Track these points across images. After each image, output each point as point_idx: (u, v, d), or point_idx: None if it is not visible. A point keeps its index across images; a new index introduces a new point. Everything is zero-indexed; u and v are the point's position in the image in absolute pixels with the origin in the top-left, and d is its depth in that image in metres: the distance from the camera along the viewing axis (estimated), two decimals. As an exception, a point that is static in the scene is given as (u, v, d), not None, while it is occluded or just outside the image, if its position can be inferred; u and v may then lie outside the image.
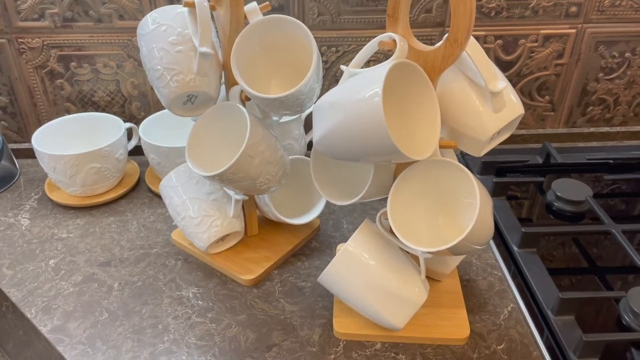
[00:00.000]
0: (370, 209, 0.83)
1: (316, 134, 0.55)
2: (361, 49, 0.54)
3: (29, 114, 0.93)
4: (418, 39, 0.53)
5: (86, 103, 0.92)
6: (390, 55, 0.52)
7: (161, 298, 0.67)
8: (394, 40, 0.51)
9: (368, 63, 0.55)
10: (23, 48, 0.87)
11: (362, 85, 0.49)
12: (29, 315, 0.65)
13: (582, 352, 0.58)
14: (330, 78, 0.91)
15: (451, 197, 0.57)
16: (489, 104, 0.53)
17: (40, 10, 0.84)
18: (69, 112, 0.93)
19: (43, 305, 0.66)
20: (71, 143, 0.84)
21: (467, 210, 0.56)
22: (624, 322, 0.63)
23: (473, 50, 0.51)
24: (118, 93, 0.92)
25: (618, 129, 1.00)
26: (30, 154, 0.93)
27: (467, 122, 0.54)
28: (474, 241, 0.53)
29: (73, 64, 0.88)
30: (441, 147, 0.54)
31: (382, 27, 0.86)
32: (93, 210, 0.83)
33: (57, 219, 0.81)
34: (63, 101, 0.92)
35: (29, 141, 0.95)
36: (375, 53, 0.55)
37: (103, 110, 0.93)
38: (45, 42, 0.87)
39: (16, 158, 0.93)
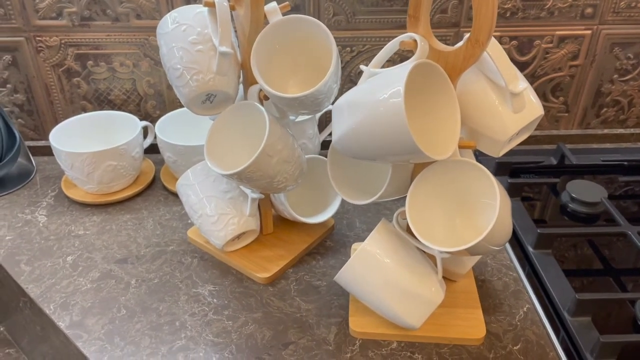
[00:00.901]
0: (384, 209, 0.83)
1: (335, 133, 0.55)
2: (376, 48, 0.55)
3: (46, 112, 0.94)
4: (435, 39, 0.53)
5: (102, 101, 0.93)
6: (408, 56, 0.52)
7: (178, 295, 0.68)
8: (415, 41, 0.51)
9: (383, 65, 0.55)
10: (41, 46, 0.88)
11: (383, 84, 0.49)
12: (47, 311, 0.66)
13: (599, 354, 0.58)
14: (345, 78, 0.91)
15: (469, 197, 0.57)
16: (508, 105, 0.53)
17: (58, 9, 0.85)
18: (85, 110, 0.94)
19: (61, 302, 0.67)
20: (87, 141, 0.85)
21: (485, 211, 0.56)
22: (639, 323, 0.63)
23: (494, 51, 0.51)
24: (134, 92, 0.92)
25: (632, 130, 0.99)
26: (46, 151, 0.94)
27: (487, 123, 0.54)
28: (492, 242, 0.53)
29: (90, 62, 0.89)
30: (460, 147, 0.54)
31: (397, 27, 0.86)
32: (109, 208, 0.84)
33: (74, 216, 0.82)
34: (79, 99, 0.93)
35: (46, 139, 0.96)
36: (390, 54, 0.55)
37: (119, 109, 0.94)
38: (62, 41, 0.87)
39: (33, 155, 0.94)
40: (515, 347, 0.61)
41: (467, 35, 0.49)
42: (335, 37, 0.58)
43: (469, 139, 0.56)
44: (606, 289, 0.69)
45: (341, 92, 0.54)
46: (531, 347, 0.61)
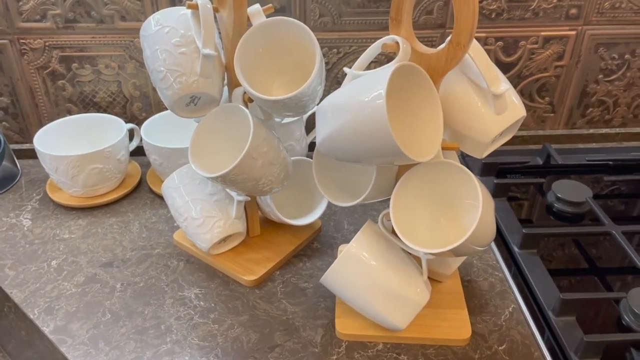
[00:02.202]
0: (371, 210, 0.83)
1: (319, 135, 0.55)
2: (362, 50, 0.55)
3: (31, 115, 0.93)
4: (419, 41, 0.53)
5: (87, 104, 0.93)
6: (394, 57, 0.52)
7: (163, 299, 0.67)
8: (397, 43, 0.51)
9: (369, 65, 0.56)
10: (25, 49, 0.87)
11: (366, 87, 0.49)
12: (31, 316, 0.65)
13: (583, 353, 0.58)
14: (332, 79, 0.91)
15: (453, 198, 0.57)
16: (491, 106, 0.53)
17: (42, 11, 0.84)
18: (70, 112, 0.93)
19: (45, 306, 0.66)
20: (73, 144, 0.85)
21: (469, 212, 0.57)
22: (624, 322, 0.63)
23: (475, 53, 0.51)
24: (120, 94, 0.92)
25: (617, 130, 1.00)
26: (31, 154, 0.93)
27: (470, 124, 0.54)
28: (476, 243, 0.54)
29: (75, 64, 0.89)
30: (444, 149, 0.55)
31: (383, 29, 0.86)
32: (95, 211, 0.83)
33: (59, 219, 0.81)
34: (64, 102, 0.92)
35: (31, 142, 0.95)
36: (377, 55, 0.55)
37: (104, 111, 0.93)
38: (47, 43, 0.87)
39: (17, 159, 0.93)
40: (500, 348, 0.61)
41: (448, 38, 0.49)
42: (321, 39, 0.58)
43: (452, 141, 0.57)
44: (591, 289, 0.70)
45: (328, 93, 0.54)
46: (516, 347, 0.61)
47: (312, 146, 0.84)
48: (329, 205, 0.77)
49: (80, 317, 0.65)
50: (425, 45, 0.53)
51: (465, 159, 0.91)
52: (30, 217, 0.82)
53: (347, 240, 0.60)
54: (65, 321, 0.64)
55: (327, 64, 0.89)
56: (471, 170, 0.86)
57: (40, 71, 0.89)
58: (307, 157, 0.77)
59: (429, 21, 0.87)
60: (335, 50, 0.88)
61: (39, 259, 0.74)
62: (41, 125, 0.88)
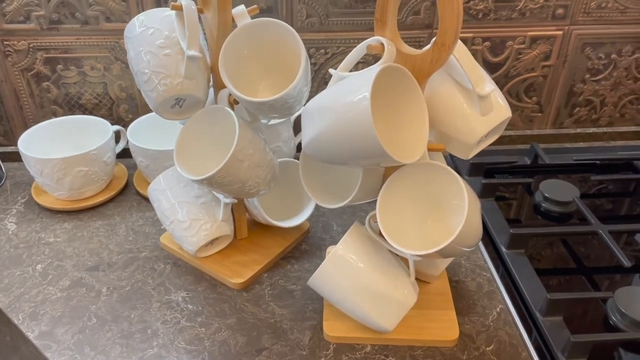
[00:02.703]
0: (359, 211, 0.83)
1: (305, 137, 0.54)
2: (350, 51, 0.54)
3: (15, 117, 0.92)
4: (406, 41, 0.53)
5: (73, 106, 0.92)
6: (379, 58, 0.52)
7: (150, 302, 0.67)
8: (382, 44, 0.51)
9: (357, 65, 0.55)
10: (9, 50, 0.86)
11: (351, 89, 0.49)
12: (16, 321, 0.64)
13: (570, 353, 0.58)
14: (319, 80, 0.91)
15: (440, 199, 0.57)
16: (476, 107, 0.53)
17: (26, 12, 0.83)
18: (55, 115, 0.92)
19: (30, 311, 0.66)
20: (58, 146, 0.84)
21: (456, 213, 0.56)
22: (611, 322, 0.63)
23: (460, 54, 0.51)
24: (105, 96, 0.91)
25: (604, 129, 1.01)
26: (16, 157, 0.92)
27: (455, 125, 0.54)
28: (462, 243, 0.54)
29: (60, 66, 0.88)
30: (430, 150, 0.55)
31: (370, 29, 0.86)
32: (81, 214, 0.82)
33: (44, 223, 0.80)
34: (50, 104, 0.91)
35: (15, 144, 0.94)
36: (364, 55, 0.55)
37: (90, 113, 0.92)
38: (31, 45, 0.86)
39: (2, 162, 0.92)
40: (488, 348, 0.61)
41: (433, 39, 0.49)
42: (308, 39, 0.58)
43: (438, 142, 0.56)
44: (579, 288, 0.70)
45: (315, 94, 0.54)
46: (504, 347, 0.61)
47: (300, 147, 0.84)
48: (317, 206, 0.77)
49: (65, 322, 0.64)
50: (413, 45, 0.52)
51: (453, 159, 0.91)
52: (15, 220, 0.81)
53: (336, 242, 0.60)
54: (50, 326, 0.64)
55: (314, 64, 0.89)
56: (459, 170, 0.87)
57: (24, 73, 0.88)
58: (295, 158, 0.76)
59: (417, 21, 0.86)
60: (322, 50, 0.88)
61: (24, 263, 0.73)
62: (26, 127, 0.87)
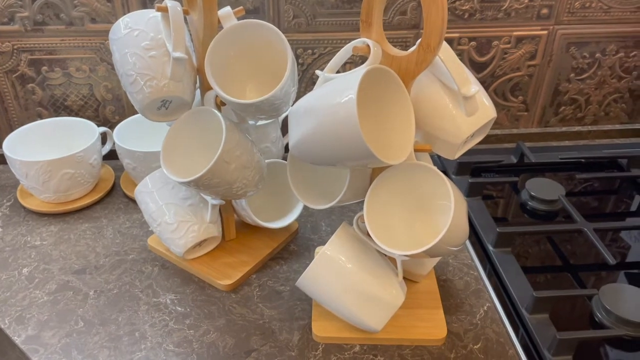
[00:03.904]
0: (348, 211, 0.83)
1: (292, 139, 0.55)
2: (337, 51, 0.54)
3: (0, 120, 0.91)
4: (393, 41, 0.53)
5: (59, 107, 0.91)
6: (366, 59, 0.52)
7: (138, 305, 0.67)
8: (368, 46, 0.51)
9: (345, 66, 0.55)
10: (-8, 52, 0.85)
11: (337, 90, 0.49)
12: (2, 326, 0.64)
13: (556, 350, 0.59)
14: (307, 80, 0.91)
15: (427, 199, 0.58)
16: (462, 108, 0.53)
17: (9, 13, 0.82)
18: (41, 117, 0.91)
19: (17, 315, 0.65)
20: (44, 149, 0.83)
21: (443, 213, 0.57)
22: (596, 319, 0.64)
23: (445, 55, 0.51)
24: (91, 97, 0.90)
25: (589, 128, 1.02)
26: (1, 160, 0.91)
27: (441, 126, 0.54)
28: (449, 243, 0.54)
29: (44, 68, 0.87)
30: (416, 150, 0.55)
31: (357, 30, 0.86)
32: (67, 217, 0.82)
33: (30, 226, 0.80)
34: (35, 106, 0.90)
35: (0, 147, 0.93)
36: (352, 55, 0.55)
37: (76, 115, 0.91)
38: (15, 46, 0.85)
39: (-13, 164, 0.92)
40: (475, 346, 0.62)
41: (419, 40, 0.49)
42: (296, 40, 0.58)
43: (424, 143, 0.57)
44: (565, 286, 0.71)
45: (303, 94, 0.54)
46: (491, 345, 0.62)
47: (288, 147, 0.84)
48: (306, 206, 0.77)
49: (52, 326, 0.64)
50: (400, 46, 0.53)
51: (440, 159, 0.92)
52: (1, 224, 0.80)
53: (324, 242, 0.60)
54: (37, 330, 0.63)
55: (301, 65, 0.89)
56: (446, 170, 0.87)
57: (9, 75, 0.87)
58: (283, 158, 0.76)
59: (403, 22, 0.87)
60: (310, 51, 0.88)
61: (10, 267, 0.72)
62: (11, 129, 0.86)
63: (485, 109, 0.55)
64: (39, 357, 0.60)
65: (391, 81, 0.51)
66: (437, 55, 0.49)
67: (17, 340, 0.62)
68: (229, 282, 0.68)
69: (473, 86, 0.52)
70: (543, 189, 0.84)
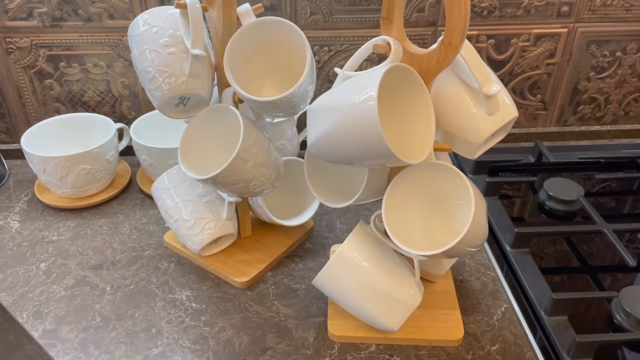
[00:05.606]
0: (364, 210, 0.83)
1: (310, 137, 0.54)
2: (354, 48, 0.54)
3: (18, 115, 0.92)
4: (410, 39, 0.53)
5: (76, 103, 0.91)
6: (385, 56, 0.52)
7: (154, 301, 0.67)
8: (389, 44, 0.51)
9: (361, 64, 0.55)
10: (11, 48, 0.86)
11: (357, 88, 0.48)
12: (20, 320, 0.64)
13: (575, 353, 0.58)
14: (323, 78, 0.90)
15: (445, 199, 0.57)
16: (483, 107, 0.53)
17: (28, 9, 0.83)
18: (58, 112, 0.92)
19: (34, 310, 0.66)
20: (61, 144, 0.83)
21: (462, 213, 0.56)
22: (615, 322, 0.63)
23: (467, 53, 0.50)
24: (108, 93, 0.91)
25: (609, 127, 1.00)
26: (19, 155, 0.92)
27: (462, 125, 0.54)
28: (469, 244, 0.53)
29: (62, 63, 0.87)
30: (436, 150, 0.54)
31: (374, 27, 0.86)
32: (84, 212, 0.82)
33: (48, 221, 0.80)
34: (52, 101, 0.91)
35: (18, 142, 0.93)
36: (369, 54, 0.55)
37: (93, 111, 0.92)
38: (33, 42, 0.85)
39: (5, 159, 0.92)
40: (493, 348, 0.61)
41: (440, 38, 0.49)
42: (312, 37, 0.58)
43: (444, 142, 0.56)
44: (583, 287, 0.70)
45: (319, 92, 0.54)
46: (509, 347, 0.61)
47: (304, 145, 0.84)
48: (321, 205, 0.77)
49: (69, 321, 0.64)
50: (417, 43, 0.52)
51: (457, 158, 0.91)
52: (19, 218, 0.81)
53: (340, 241, 0.60)
54: (54, 325, 0.64)
55: (318, 62, 0.89)
56: (463, 169, 0.87)
57: (27, 70, 0.88)
58: (299, 156, 0.76)
59: (421, 19, 0.86)
60: (326, 48, 0.87)
61: (27, 262, 0.73)
62: (29, 125, 0.87)
63: (507, 108, 0.54)
64: (56, 352, 0.61)
65: (412, 79, 0.50)
66: (458, 54, 0.49)
67: (35, 334, 0.63)
68: (244, 279, 0.68)
69: (495, 85, 0.51)
70: (561, 189, 0.83)
